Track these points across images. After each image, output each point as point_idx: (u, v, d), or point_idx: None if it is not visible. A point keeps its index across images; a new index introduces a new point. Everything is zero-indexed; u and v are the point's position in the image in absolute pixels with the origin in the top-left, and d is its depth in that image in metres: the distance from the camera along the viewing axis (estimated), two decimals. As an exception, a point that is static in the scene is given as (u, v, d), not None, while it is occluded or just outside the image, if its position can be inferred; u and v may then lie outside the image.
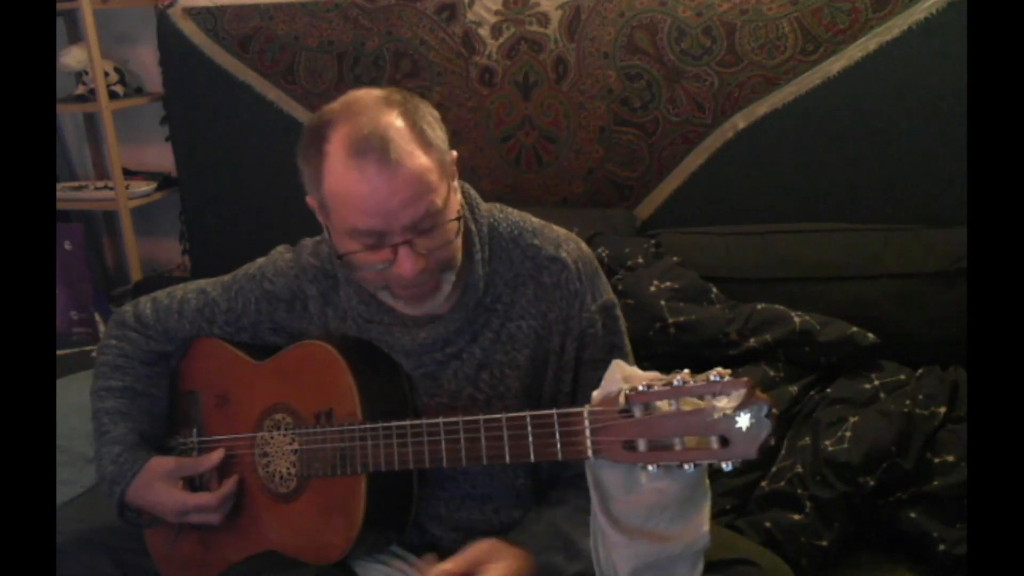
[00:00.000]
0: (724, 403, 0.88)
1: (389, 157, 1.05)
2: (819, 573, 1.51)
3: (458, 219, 1.13)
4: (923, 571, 1.51)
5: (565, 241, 1.24)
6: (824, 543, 1.51)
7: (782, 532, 1.51)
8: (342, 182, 1.07)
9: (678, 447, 0.91)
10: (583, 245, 1.26)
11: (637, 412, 0.93)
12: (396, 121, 1.08)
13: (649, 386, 0.93)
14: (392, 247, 1.08)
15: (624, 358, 1.24)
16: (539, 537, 1.14)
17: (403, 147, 1.06)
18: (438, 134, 1.11)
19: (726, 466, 0.89)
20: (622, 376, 0.98)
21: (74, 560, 1.38)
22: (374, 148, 1.05)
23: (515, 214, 1.26)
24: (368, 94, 1.12)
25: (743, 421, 0.87)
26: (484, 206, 1.25)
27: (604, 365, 1.02)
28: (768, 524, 1.52)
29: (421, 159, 1.07)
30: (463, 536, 1.24)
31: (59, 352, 2.41)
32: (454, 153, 1.15)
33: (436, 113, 1.14)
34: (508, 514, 1.24)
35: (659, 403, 0.92)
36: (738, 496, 1.60)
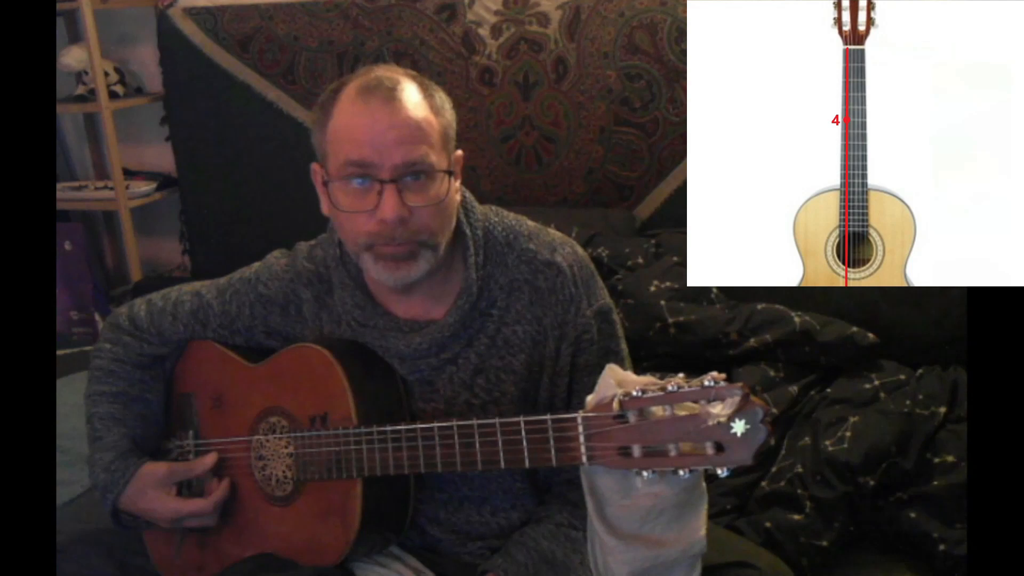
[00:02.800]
0: (719, 409, 0.88)
1: (395, 96, 1.10)
2: (819, 573, 1.51)
3: (449, 191, 1.14)
4: (923, 571, 1.51)
5: (560, 245, 1.24)
6: (824, 543, 1.51)
7: (782, 532, 1.51)
8: (346, 117, 1.12)
9: (673, 453, 0.90)
10: (579, 249, 1.26)
11: (631, 418, 0.93)
12: (410, 82, 1.14)
13: (643, 391, 0.92)
14: (378, 188, 1.10)
15: (620, 363, 1.24)
16: (522, 565, 1.14)
17: (410, 96, 1.12)
18: (447, 109, 1.16)
19: (722, 472, 0.88)
20: (616, 381, 0.97)
21: (74, 560, 1.38)
22: (383, 88, 1.11)
23: (510, 217, 1.26)
24: (387, 66, 1.18)
25: (738, 427, 0.86)
26: (479, 209, 1.24)
27: (600, 370, 1.02)
28: (768, 524, 1.52)
29: (425, 111, 1.12)
30: (462, 538, 1.24)
31: (59, 352, 2.41)
32: (460, 152, 1.18)
33: (449, 99, 1.18)
34: (506, 516, 1.24)
35: (653, 408, 0.92)
36: (738, 496, 1.60)
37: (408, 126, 1.10)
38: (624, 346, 1.27)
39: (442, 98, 1.16)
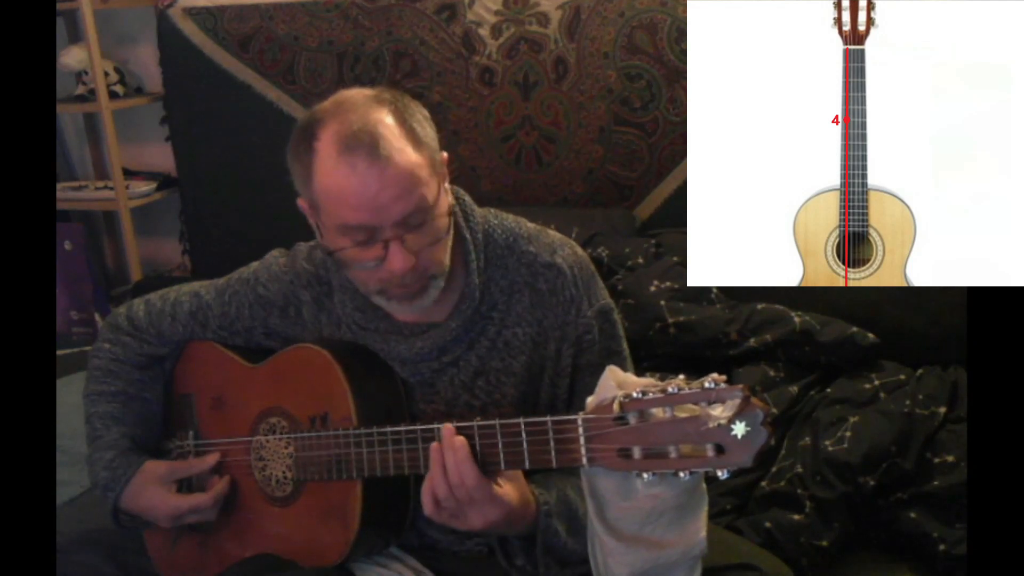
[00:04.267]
0: (719, 411, 0.88)
1: (379, 153, 1.06)
2: (819, 573, 1.51)
3: (448, 215, 1.14)
4: (923, 571, 1.51)
5: (560, 246, 1.24)
6: (824, 543, 1.51)
7: (782, 532, 1.51)
8: (332, 178, 1.08)
9: (673, 455, 0.90)
10: (578, 250, 1.26)
11: (632, 420, 0.93)
12: (386, 118, 1.09)
13: (644, 393, 0.92)
14: (383, 243, 1.09)
15: (622, 363, 1.24)
16: (550, 500, 1.12)
17: (393, 143, 1.07)
18: (428, 132, 1.12)
19: (722, 474, 0.88)
20: (616, 383, 0.97)
21: (74, 560, 1.38)
22: (364, 144, 1.06)
23: (509, 219, 1.26)
24: (358, 93, 1.13)
25: (738, 429, 0.86)
26: (478, 212, 1.24)
27: (602, 370, 1.01)
28: (768, 524, 1.52)
29: (411, 155, 1.08)
30: (460, 537, 1.24)
31: (59, 352, 2.41)
32: (444, 154, 1.16)
33: (426, 112, 1.15)
34: None
35: (654, 410, 0.92)
36: (738, 496, 1.60)
37: (400, 181, 1.06)
38: (625, 346, 1.27)
39: (419, 119, 1.11)
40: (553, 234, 1.26)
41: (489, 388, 1.20)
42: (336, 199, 1.08)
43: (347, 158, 1.06)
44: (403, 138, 1.08)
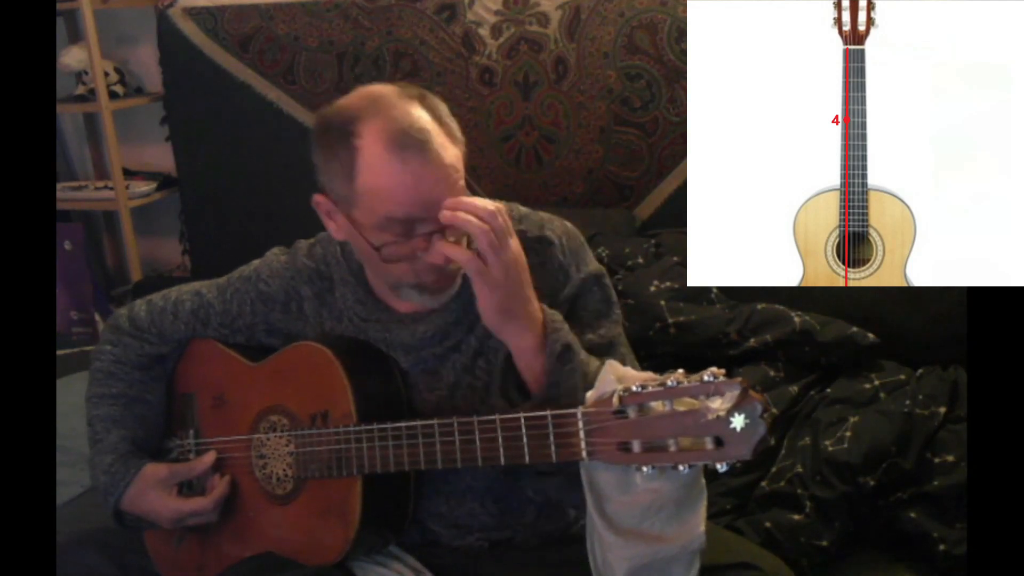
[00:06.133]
0: (718, 404, 0.88)
1: (430, 148, 1.09)
2: (819, 573, 1.51)
3: None
4: (923, 571, 1.51)
5: (549, 221, 1.26)
6: (824, 543, 1.51)
7: (782, 532, 1.51)
8: (383, 176, 1.09)
9: (672, 448, 0.91)
10: (568, 224, 1.28)
11: (631, 413, 0.93)
12: (425, 115, 1.12)
13: (643, 387, 0.93)
14: (425, 236, 1.11)
15: (613, 326, 1.25)
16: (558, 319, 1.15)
17: (439, 140, 1.10)
18: (455, 127, 1.15)
19: (721, 467, 0.89)
20: (615, 377, 0.98)
21: (74, 560, 1.38)
22: (415, 142, 1.08)
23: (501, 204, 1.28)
24: (385, 88, 1.15)
25: (737, 422, 0.87)
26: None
27: (594, 330, 1.08)
28: (768, 524, 1.52)
29: (452, 151, 1.12)
30: (462, 531, 1.24)
31: (59, 352, 2.41)
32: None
33: (445, 106, 1.17)
34: (507, 504, 1.24)
35: (653, 404, 0.93)
36: (738, 496, 1.60)
37: (448, 176, 1.10)
38: (619, 312, 1.28)
39: (447, 114, 1.15)
40: (543, 213, 1.28)
41: (489, 368, 1.21)
42: (385, 195, 1.10)
43: (399, 155, 1.09)
44: (443, 135, 1.11)
